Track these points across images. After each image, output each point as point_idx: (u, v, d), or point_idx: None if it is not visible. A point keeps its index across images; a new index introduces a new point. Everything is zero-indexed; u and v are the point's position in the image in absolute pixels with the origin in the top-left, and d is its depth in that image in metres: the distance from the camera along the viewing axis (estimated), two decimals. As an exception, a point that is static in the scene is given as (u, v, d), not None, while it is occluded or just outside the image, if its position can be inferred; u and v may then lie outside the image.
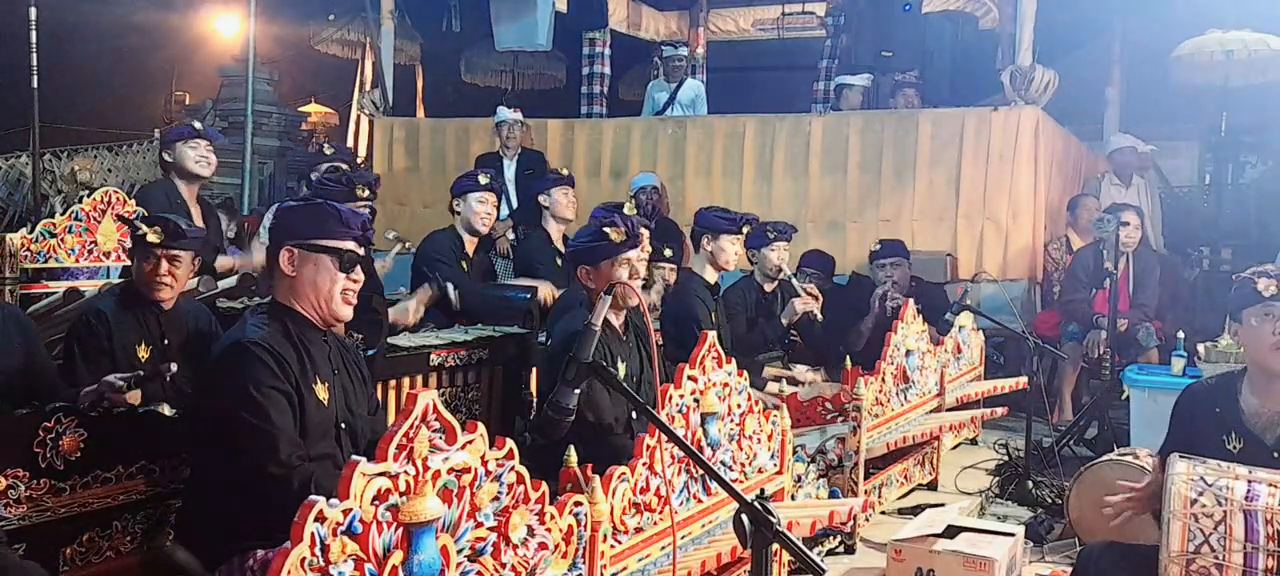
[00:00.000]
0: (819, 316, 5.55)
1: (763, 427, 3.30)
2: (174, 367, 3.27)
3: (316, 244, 2.77)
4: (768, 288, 5.64)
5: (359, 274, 2.83)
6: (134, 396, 3.25)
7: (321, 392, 2.73)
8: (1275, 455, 2.93)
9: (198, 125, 5.27)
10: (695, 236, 5.29)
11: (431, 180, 8.63)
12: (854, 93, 8.39)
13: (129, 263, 3.83)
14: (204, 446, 2.79)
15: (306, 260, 2.77)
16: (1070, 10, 8.60)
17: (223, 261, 5.09)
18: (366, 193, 4.78)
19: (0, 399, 3.21)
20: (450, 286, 4.91)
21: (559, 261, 5.72)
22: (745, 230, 5.19)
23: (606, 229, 3.65)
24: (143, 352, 3.63)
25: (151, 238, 3.60)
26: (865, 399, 4.28)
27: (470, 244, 5.37)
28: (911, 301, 5.05)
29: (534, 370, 4.48)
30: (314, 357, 2.75)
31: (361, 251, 2.84)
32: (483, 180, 5.38)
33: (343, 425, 2.79)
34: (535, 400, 4.32)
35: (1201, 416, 3.08)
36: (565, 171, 6.25)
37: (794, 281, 5.59)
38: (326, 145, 6.75)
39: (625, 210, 4.54)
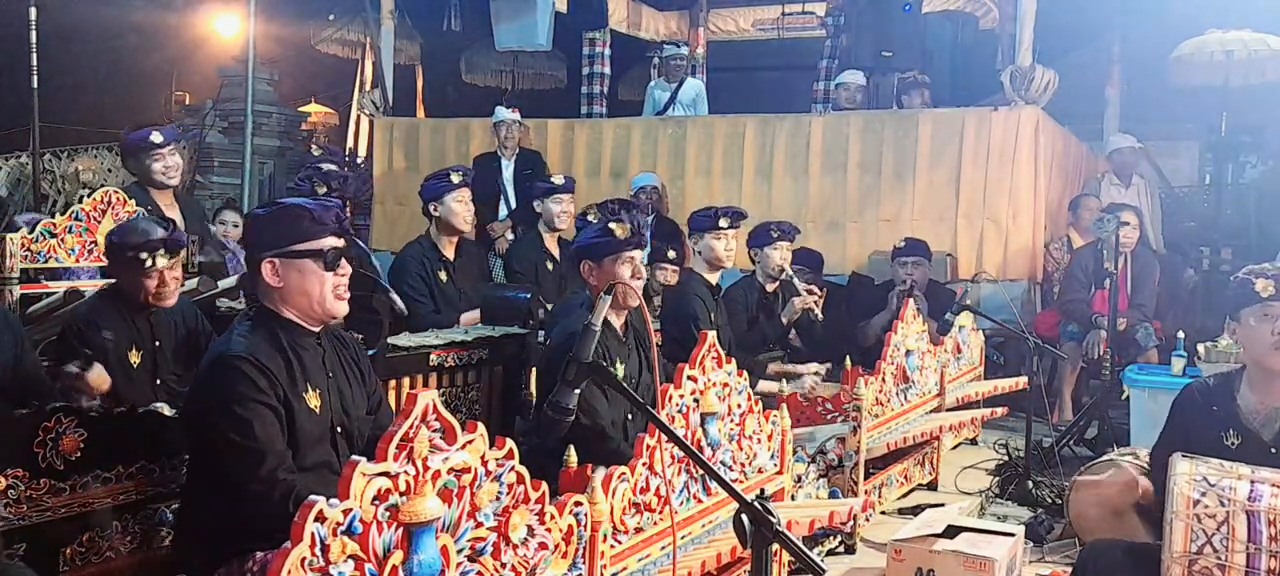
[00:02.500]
0: (819, 314, 5.55)
1: (763, 427, 3.29)
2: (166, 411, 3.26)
3: (296, 249, 2.72)
4: (769, 287, 5.63)
5: (345, 266, 2.79)
6: (99, 378, 3.24)
7: (313, 400, 2.70)
8: (1273, 451, 2.95)
9: (157, 137, 5.07)
10: (689, 238, 5.32)
11: (431, 180, 8.62)
12: (848, 90, 8.38)
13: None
14: (195, 454, 2.79)
15: (290, 268, 2.72)
16: (1070, 10, 8.59)
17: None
18: (325, 189, 4.69)
19: (-1, 399, 3.21)
20: (396, 297, 4.76)
21: (551, 266, 5.70)
22: (723, 222, 5.15)
23: (611, 225, 3.66)
24: (134, 358, 3.61)
25: (162, 262, 3.60)
26: (865, 399, 4.28)
27: (450, 246, 5.19)
28: (912, 301, 5.05)
29: (533, 370, 4.47)
30: (305, 364, 2.72)
31: (341, 243, 2.79)
32: (454, 178, 5.15)
33: (338, 429, 2.77)
34: (534, 401, 4.30)
35: (1200, 413, 3.10)
36: (560, 179, 6.06)
37: (796, 281, 5.59)
38: (315, 146, 6.68)
39: (588, 217, 4.49)
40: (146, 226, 3.71)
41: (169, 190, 5.10)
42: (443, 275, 5.13)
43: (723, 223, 5.14)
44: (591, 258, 3.72)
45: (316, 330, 2.82)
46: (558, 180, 6.04)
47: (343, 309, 2.80)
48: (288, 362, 2.68)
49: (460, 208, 5.14)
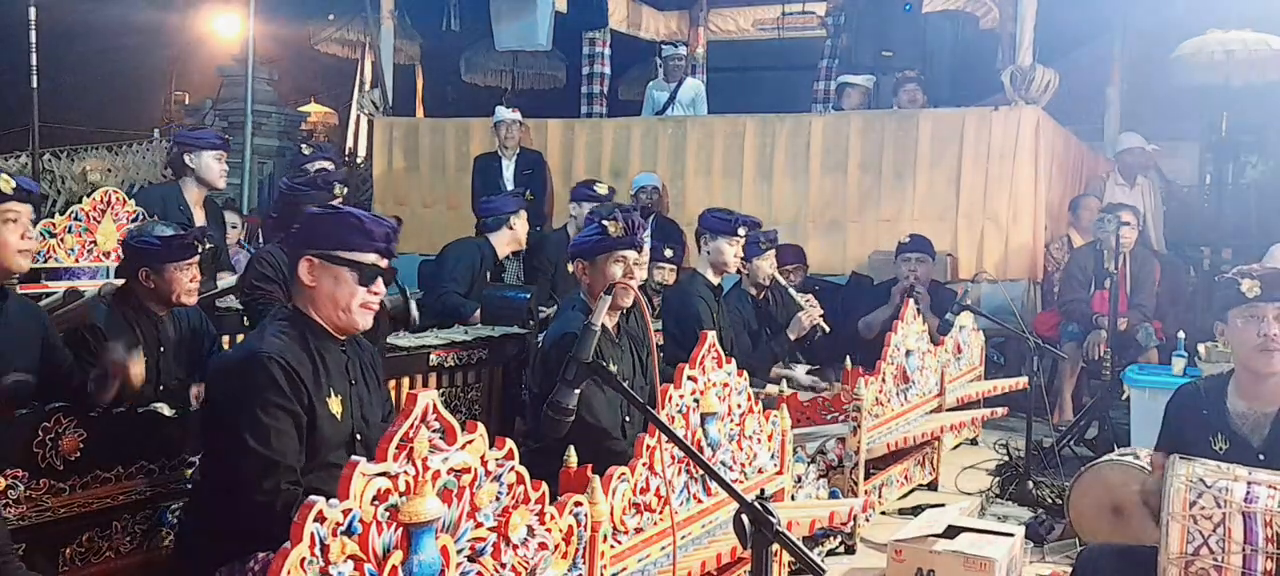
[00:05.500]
0: (825, 327, 5.54)
1: (763, 428, 3.30)
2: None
3: (337, 256, 2.70)
4: (758, 295, 5.63)
5: (379, 286, 2.76)
6: (139, 367, 3.22)
7: (335, 406, 2.69)
8: (1261, 457, 2.92)
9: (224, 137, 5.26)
10: (697, 237, 5.31)
11: (431, 180, 8.64)
12: (855, 92, 8.37)
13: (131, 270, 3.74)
14: (210, 448, 2.78)
15: (326, 271, 2.70)
16: (1070, 10, 8.58)
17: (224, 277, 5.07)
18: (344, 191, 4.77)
19: (21, 394, 3.18)
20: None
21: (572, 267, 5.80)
22: (741, 231, 5.16)
23: (605, 223, 3.65)
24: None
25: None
26: (865, 399, 4.28)
27: (504, 253, 5.64)
28: (911, 301, 5.05)
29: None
30: (330, 369, 2.71)
31: (384, 264, 2.76)
32: (529, 197, 5.84)
33: (357, 436, 2.76)
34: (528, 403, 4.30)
35: (1190, 417, 3.07)
36: (604, 189, 6.27)
37: (791, 291, 5.59)
38: (305, 145, 6.71)
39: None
40: (179, 224, 3.74)
41: (201, 192, 5.15)
42: (488, 275, 5.54)
43: (741, 231, 5.14)
44: (584, 256, 3.70)
45: (341, 338, 2.80)
46: (602, 189, 6.26)
47: (366, 321, 2.77)
48: (315, 366, 2.67)
49: (522, 226, 5.70)
